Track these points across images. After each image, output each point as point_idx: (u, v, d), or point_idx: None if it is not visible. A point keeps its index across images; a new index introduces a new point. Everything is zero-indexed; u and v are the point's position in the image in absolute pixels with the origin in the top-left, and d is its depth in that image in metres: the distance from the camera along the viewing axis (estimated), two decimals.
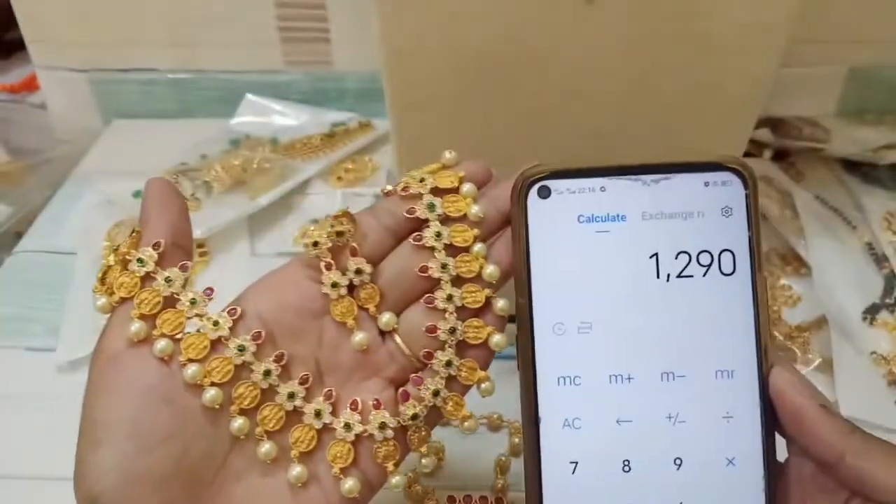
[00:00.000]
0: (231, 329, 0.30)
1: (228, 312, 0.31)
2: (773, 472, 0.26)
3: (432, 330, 0.31)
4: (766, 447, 0.26)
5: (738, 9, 0.34)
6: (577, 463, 0.27)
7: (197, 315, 0.31)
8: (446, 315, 0.31)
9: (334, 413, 0.32)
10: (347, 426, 0.31)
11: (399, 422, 0.32)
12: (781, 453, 0.27)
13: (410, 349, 0.32)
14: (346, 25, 0.62)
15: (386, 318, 0.32)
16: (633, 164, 0.27)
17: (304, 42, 0.64)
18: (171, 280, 0.29)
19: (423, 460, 0.33)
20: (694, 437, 0.26)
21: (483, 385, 0.32)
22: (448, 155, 0.31)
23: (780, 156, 0.59)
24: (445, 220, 0.30)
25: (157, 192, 0.29)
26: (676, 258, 0.27)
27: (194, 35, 0.65)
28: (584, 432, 0.27)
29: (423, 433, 0.32)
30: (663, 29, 0.35)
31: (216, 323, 0.31)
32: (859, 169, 0.58)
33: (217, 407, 0.29)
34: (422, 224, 0.30)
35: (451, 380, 0.32)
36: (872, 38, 0.54)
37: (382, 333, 0.33)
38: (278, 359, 0.31)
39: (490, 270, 0.30)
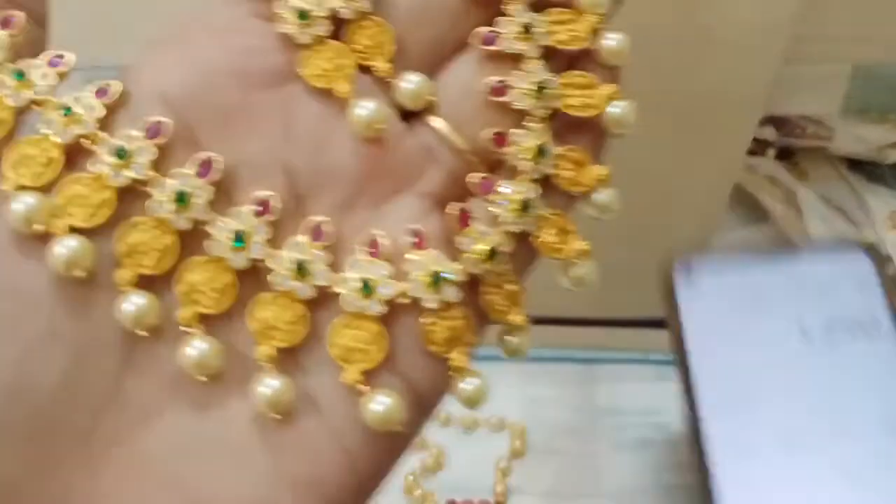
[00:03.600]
0: (104, 120, 0.16)
1: (97, 91, 0.17)
2: None
3: (500, 91, 0.17)
4: None
5: (740, 8, 0.34)
6: None
7: (33, 102, 0.16)
8: (526, 63, 0.18)
9: (334, 267, 0.17)
10: (366, 287, 0.16)
11: (464, 269, 0.17)
12: None
13: (462, 136, 0.18)
14: None
15: (413, 81, 0.17)
16: (775, 247, 0.30)
17: None
18: None
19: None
20: (869, 497, 0.28)
21: (599, 197, 0.18)
22: None
23: (784, 154, 0.58)
24: None
25: None
26: (824, 327, 0.29)
27: None
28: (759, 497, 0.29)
29: (514, 287, 0.17)
30: (665, 28, 0.35)
31: (69, 111, 0.16)
32: (864, 168, 0.58)
33: (82, 275, 0.16)
34: None
35: (545, 186, 0.18)
36: (877, 35, 0.53)
37: (406, 115, 0.18)
38: (205, 167, 0.16)
39: (613, 43, 0.18)
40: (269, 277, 0.17)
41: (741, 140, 0.41)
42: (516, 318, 0.18)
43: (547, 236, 0.18)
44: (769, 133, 0.57)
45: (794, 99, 0.56)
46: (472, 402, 0.17)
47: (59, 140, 0.16)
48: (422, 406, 0.17)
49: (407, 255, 0.17)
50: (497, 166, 0.18)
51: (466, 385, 0.17)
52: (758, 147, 0.59)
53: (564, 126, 0.18)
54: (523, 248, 0.18)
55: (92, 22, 0.63)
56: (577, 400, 0.42)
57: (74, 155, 0.16)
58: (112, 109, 0.17)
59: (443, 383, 0.17)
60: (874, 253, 0.31)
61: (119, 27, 0.64)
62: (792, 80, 0.56)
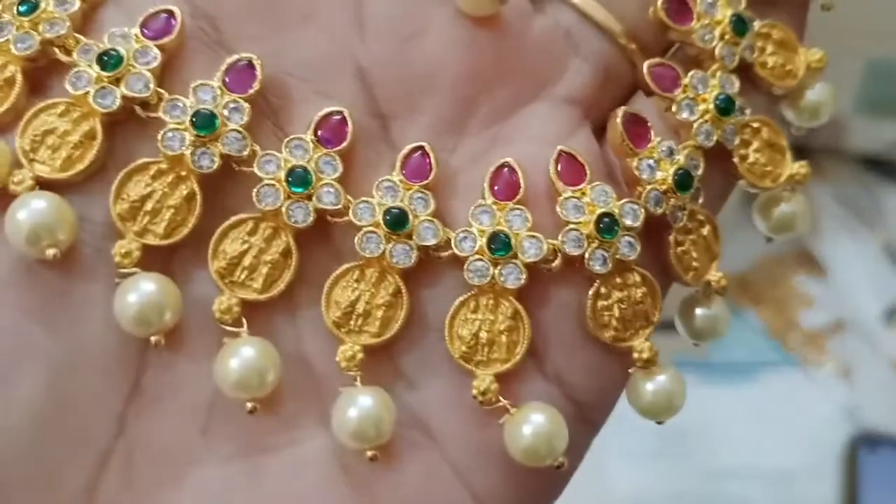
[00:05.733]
0: (84, 18, 0.11)
1: None
2: None
3: None
4: None
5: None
6: None
7: None
8: None
9: (441, 218, 0.11)
10: (501, 246, 0.11)
11: (644, 206, 0.11)
12: None
13: (613, 11, 0.12)
14: None
15: None
16: None
17: None
18: None
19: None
20: None
21: (812, 94, 0.13)
22: None
23: (798, 152, 0.58)
24: None
25: None
26: None
27: None
28: None
29: (710, 231, 0.12)
30: None
31: (31, 6, 0.11)
32: (879, 166, 0.57)
33: (55, 252, 0.10)
34: None
35: (743, 75, 0.12)
36: (890, 30, 0.53)
37: None
38: (238, 75, 0.11)
39: None
40: (355, 240, 0.11)
41: None
42: (715, 276, 0.12)
43: (753, 154, 0.12)
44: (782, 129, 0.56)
45: None
46: (662, 410, 0.11)
47: (16, 50, 0.11)
48: (585, 422, 0.11)
49: (566, 192, 0.11)
50: (665, 55, 0.12)
51: (654, 385, 0.11)
52: None
53: None
54: (716, 173, 0.12)
55: None
56: None
57: (44, 74, 0.11)
58: (95, 4, 0.11)
59: (615, 385, 0.11)
60: None
61: None
62: None
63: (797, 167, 0.13)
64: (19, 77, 0.11)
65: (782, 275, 0.47)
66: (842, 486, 0.36)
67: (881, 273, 0.48)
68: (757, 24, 0.12)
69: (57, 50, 0.11)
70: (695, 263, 0.12)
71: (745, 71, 0.12)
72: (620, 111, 0.11)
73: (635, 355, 0.11)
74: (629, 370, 0.11)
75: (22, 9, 0.11)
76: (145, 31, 0.11)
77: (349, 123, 0.11)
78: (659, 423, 0.12)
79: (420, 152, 0.11)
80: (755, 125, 0.12)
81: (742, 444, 0.39)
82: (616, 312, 0.11)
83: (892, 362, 0.42)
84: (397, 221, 0.11)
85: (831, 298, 0.46)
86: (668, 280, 0.12)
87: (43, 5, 0.11)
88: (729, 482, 0.38)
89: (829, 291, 0.46)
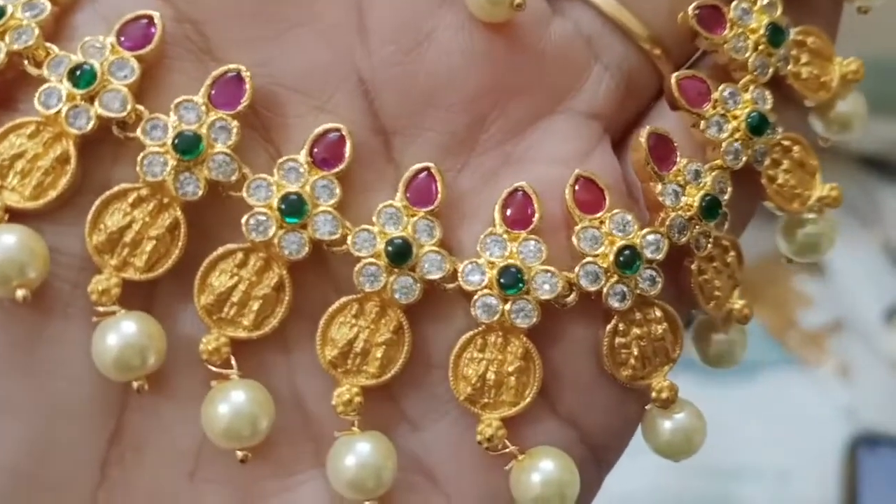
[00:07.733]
0: (54, 26, 0.10)
1: None
2: None
3: None
4: None
5: None
6: None
7: None
8: None
9: (447, 247, 0.10)
10: (514, 281, 0.10)
11: (667, 236, 0.10)
12: None
13: (637, 15, 0.11)
14: None
15: None
16: None
17: None
18: None
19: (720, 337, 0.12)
20: None
21: (844, 105, 0.12)
22: None
23: None
24: None
25: None
26: None
27: None
28: None
29: (735, 257, 0.11)
30: None
31: None
32: (878, 166, 0.56)
33: (25, 293, 0.09)
34: None
35: (774, 85, 0.11)
36: (890, 28, 0.52)
37: None
38: (225, 88, 0.10)
39: None
40: (353, 273, 0.10)
41: None
42: (738, 304, 0.11)
43: (782, 175, 0.11)
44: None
45: None
46: (680, 450, 0.11)
47: None
48: (599, 463, 0.11)
49: (584, 221, 0.10)
50: (686, 64, 0.11)
51: (672, 424, 0.11)
52: None
53: None
54: (741, 194, 0.11)
55: None
56: None
57: (11, 87, 0.10)
58: (67, 7, 0.10)
59: (631, 424, 0.11)
60: None
61: None
62: None
63: (827, 189, 0.12)
64: None
65: (782, 274, 0.47)
66: (842, 486, 0.36)
67: (881, 273, 0.48)
68: (792, 32, 0.11)
69: (25, 61, 0.10)
70: (717, 293, 0.11)
71: (777, 82, 0.11)
72: (645, 132, 0.10)
73: (654, 394, 0.10)
74: (646, 406, 0.11)
75: None
76: (122, 39, 0.10)
77: (348, 142, 0.10)
78: (677, 459, 0.11)
79: (426, 174, 0.10)
80: (785, 143, 0.11)
81: (741, 443, 0.37)
82: (635, 351, 0.10)
83: (892, 362, 0.41)
84: (400, 253, 0.10)
85: (831, 298, 0.45)
86: (684, 308, 0.11)
87: (10, 11, 0.10)
88: (728, 482, 0.37)
89: (828, 291, 0.46)
